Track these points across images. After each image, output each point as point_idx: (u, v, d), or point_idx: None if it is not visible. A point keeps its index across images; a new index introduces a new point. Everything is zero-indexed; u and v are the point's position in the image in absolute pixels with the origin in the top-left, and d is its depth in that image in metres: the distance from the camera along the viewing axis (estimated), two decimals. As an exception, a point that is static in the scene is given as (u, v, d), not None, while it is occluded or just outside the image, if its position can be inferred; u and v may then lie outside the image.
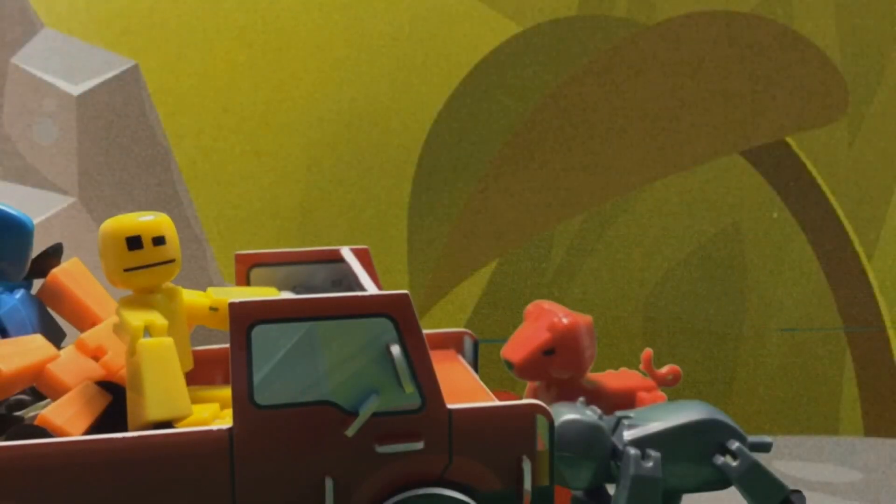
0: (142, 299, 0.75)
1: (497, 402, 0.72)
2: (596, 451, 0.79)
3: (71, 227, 1.33)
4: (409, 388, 0.67)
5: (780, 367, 1.59)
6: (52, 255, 0.87)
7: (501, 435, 0.70)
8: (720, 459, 0.81)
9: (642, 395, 0.97)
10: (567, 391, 0.94)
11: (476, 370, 0.90)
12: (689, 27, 1.54)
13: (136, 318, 0.71)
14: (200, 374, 0.85)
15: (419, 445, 0.68)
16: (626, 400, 0.96)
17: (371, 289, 0.75)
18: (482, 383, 0.83)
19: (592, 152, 1.55)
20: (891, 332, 1.59)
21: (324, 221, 1.53)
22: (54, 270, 0.85)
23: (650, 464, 0.78)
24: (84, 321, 0.85)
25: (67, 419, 0.70)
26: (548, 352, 0.92)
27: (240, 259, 0.92)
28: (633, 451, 0.79)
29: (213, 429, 0.67)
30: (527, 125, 1.55)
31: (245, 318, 0.67)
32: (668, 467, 0.79)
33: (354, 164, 1.53)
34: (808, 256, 1.58)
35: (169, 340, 0.71)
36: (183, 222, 1.44)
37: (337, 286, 0.92)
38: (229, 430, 0.67)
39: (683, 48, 1.54)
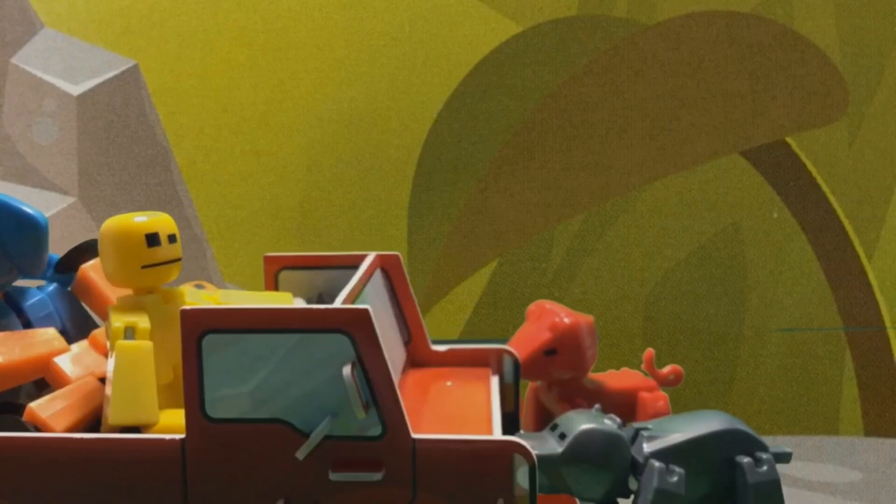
0: (135, 301, 0.74)
1: (471, 437, 0.65)
2: (615, 461, 0.76)
3: (71, 227, 1.33)
4: (360, 413, 0.63)
5: (780, 367, 1.59)
6: (86, 250, 0.87)
7: (473, 472, 0.64)
8: (745, 459, 0.78)
9: (644, 394, 0.97)
10: (569, 391, 0.94)
11: (516, 392, 0.84)
12: (689, 27, 1.54)
13: (120, 320, 0.71)
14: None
15: (378, 476, 0.63)
16: (628, 400, 0.96)
17: (342, 297, 0.71)
18: (496, 412, 0.75)
19: (592, 152, 1.55)
20: (891, 332, 1.59)
21: (324, 221, 1.53)
22: (84, 266, 0.86)
23: (675, 479, 0.75)
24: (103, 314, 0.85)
25: (53, 413, 0.71)
26: (549, 352, 0.92)
27: (268, 261, 0.90)
28: (657, 464, 0.75)
29: (166, 437, 0.66)
30: (527, 125, 1.55)
31: (196, 327, 0.64)
32: (688, 479, 0.77)
33: (354, 164, 1.53)
34: (808, 256, 1.58)
35: (147, 344, 0.70)
36: (183, 222, 1.44)
37: None
38: (182, 440, 0.65)
39: (683, 48, 1.54)
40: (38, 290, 0.85)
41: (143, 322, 0.71)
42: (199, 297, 0.79)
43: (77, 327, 0.85)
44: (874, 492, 1.28)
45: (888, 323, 1.59)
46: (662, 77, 1.54)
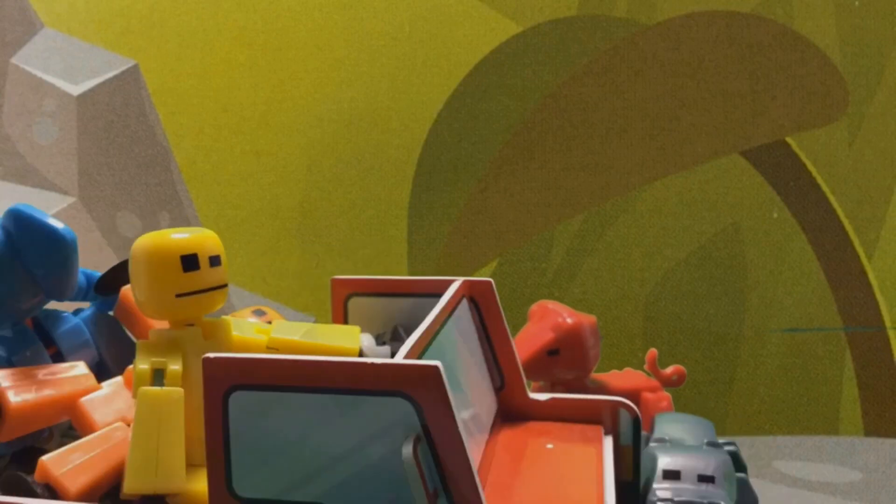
0: (169, 336, 0.62)
1: None
2: None
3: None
4: None
5: (780, 367, 1.59)
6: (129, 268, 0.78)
7: None
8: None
9: (647, 395, 0.97)
10: (572, 391, 0.94)
11: (636, 456, 0.69)
12: (689, 27, 1.54)
13: (147, 360, 0.60)
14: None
15: None
16: (631, 400, 0.96)
17: (407, 346, 0.55)
18: (610, 487, 0.59)
19: (592, 152, 1.55)
20: (891, 333, 1.59)
21: (324, 221, 1.53)
22: (127, 287, 0.76)
23: None
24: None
25: (68, 471, 0.61)
26: (552, 352, 0.92)
27: (337, 285, 0.77)
28: None
29: None
30: (527, 125, 1.55)
31: (222, 380, 0.51)
32: None
33: (354, 164, 1.53)
34: (808, 256, 1.58)
35: (176, 392, 0.58)
36: (183, 222, 1.44)
37: None
38: None
39: (683, 48, 1.54)
40: (72, 316, 0.76)
41: (173, 363, 0.60)
42: (248, 330, 0.67)
43: (116, 358, 0.76)
44: (874, 492, 1.28)
45: (888, 323, 1.59)
46: (662, 77, 1.54)
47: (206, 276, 0.61)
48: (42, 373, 0.67)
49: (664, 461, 0.72)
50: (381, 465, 0.49)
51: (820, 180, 1.57)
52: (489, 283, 0.74)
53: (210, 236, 0.63)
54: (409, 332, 0.72)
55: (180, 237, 0.61)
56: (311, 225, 1.52)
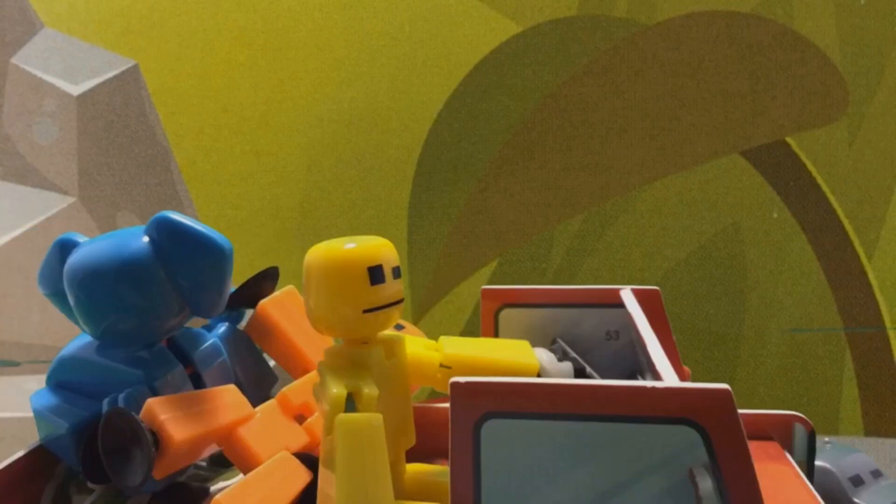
0: (351, 356, 0.55)
1: None
2: None
3: (71, 228, 1.33)
4: None
5: (780, 367, 1.59)
6: (266, 279, 0.72)
7: None
8: None
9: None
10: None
11: (811, 467, 0.63)
12: (689, 27, 1.54)
13: (339, 384, 0.53)
14: (423, 438, 0.61)
15: None
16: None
17: (666, 372, 0.50)
18: None
19: (592, 152, 1.55)
20: (891, 333, 1.58)
21: (324, 221, 1.53)
22: (264, 301, 0.70)
23: None
24: (294, 365, 0.68)
25: None
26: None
27: (487, 295, 0.71)
28: None
29: None
30: (527, 125, 1.55)
31: (474, 408, 0.45)
32: None
33: (354, 164, 1.53)
34: (808, 256, 1.58)
35: (377, 419, 0.51)
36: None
37: (612, 339, 0.68)
38: None
39: (683, 48, 1.54)
40: (208, 333, 0.69)
41: (368, 387, 0.53)
42: (421, 346, 0.60)
43: (251, 378, 0.69)
44: (874, 492, 1.28)
45: (888, 323, 1.58)
46: (662, 77, 1.54)
47: (390, 289, 0.55)
48: (196, 400, 0.60)
49: (840, 468, 0.69)
50: (661, 499, 0.44)
51: (820, 180, 1.57)
52: (657, 291, 0.68)
53: (388, 245, 0.57)
54: (571, 346, 0.66)
55: (361, 248, 0.55)
56: (311, 225, 1.52)
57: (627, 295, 0.66)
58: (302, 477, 0.57)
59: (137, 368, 0.61)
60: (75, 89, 1.38)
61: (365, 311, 0.54)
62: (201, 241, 0.63)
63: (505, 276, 1.56)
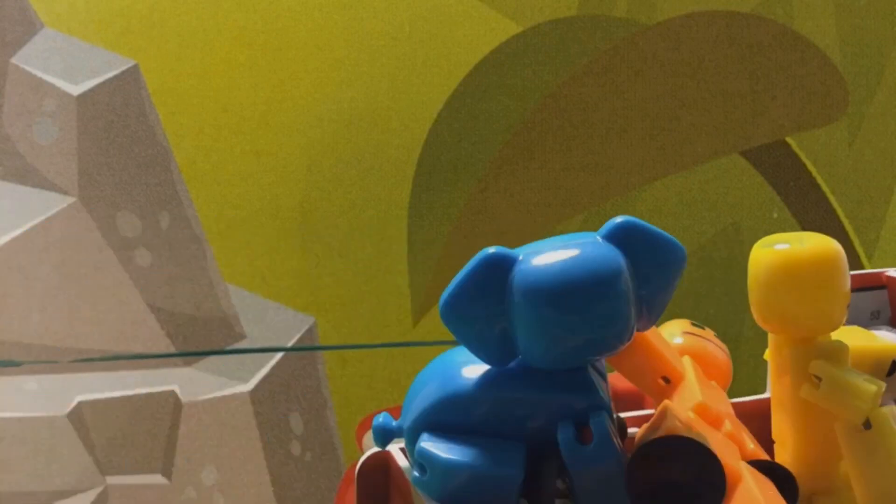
0: (834, 350, 0.56)
1: None
2: None
3: (71, 227, 1.33)
4: None
5: (780, 367, 1.59)
6: None
7: None
8: None
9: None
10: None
11: None
12: (689, 27, 1.54)
13: (869, 378, 0.53)
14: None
15: None
16: (636, 401, 0.95)
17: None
18: None
19: (592, 152, 1.55)
20: (891, 332, 1.58)
21: (324, 221, 1.53)
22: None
23: None
24: (649, 377, 0.66)
25: None
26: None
27: None
28: None
29: None
30: (527, 125, 1.55)
31: None
32: None
33: (354, 164, 1.53)
34: (808, 256, 1.57)
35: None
36: (183, 222, 1.44)
37: (875, 319, 0.70)
38: None
39: (683, 48, 1.54)
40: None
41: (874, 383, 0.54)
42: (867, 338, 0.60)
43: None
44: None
45: (888, 323, 1.58)
46: (662, 77, 1.54)
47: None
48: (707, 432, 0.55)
49: None
50: None
51: (820, 180, 1.57)
52: None
53: None
54: None
55: (826, 242, 0.56)
56: (311, 225, 1.52)
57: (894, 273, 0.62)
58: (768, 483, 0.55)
59: (588, 392, 0.56)
60: (75, 89, 1.38)
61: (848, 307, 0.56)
62: (671, 248, 0.59)
63: (505, 276, 1.56)
